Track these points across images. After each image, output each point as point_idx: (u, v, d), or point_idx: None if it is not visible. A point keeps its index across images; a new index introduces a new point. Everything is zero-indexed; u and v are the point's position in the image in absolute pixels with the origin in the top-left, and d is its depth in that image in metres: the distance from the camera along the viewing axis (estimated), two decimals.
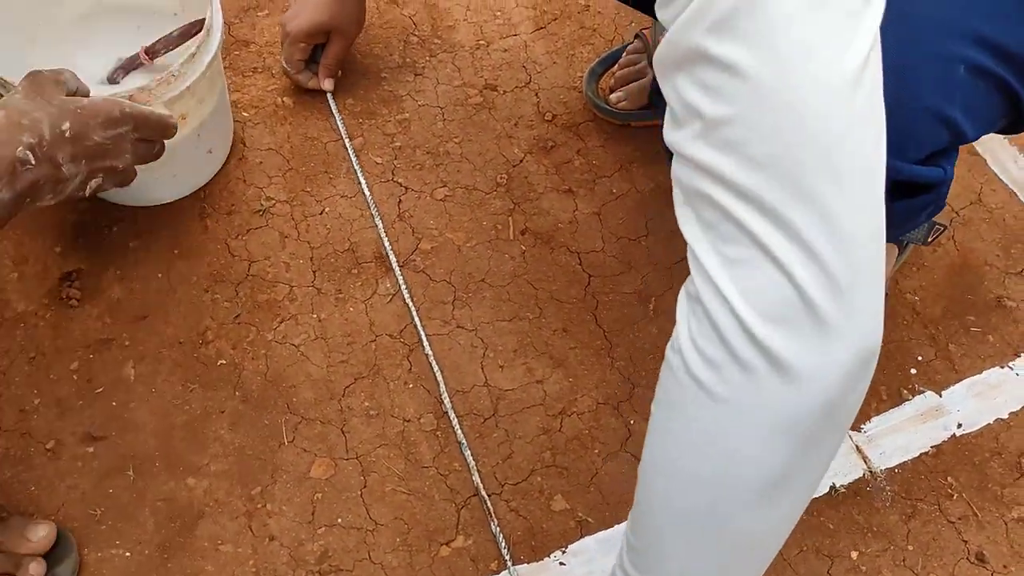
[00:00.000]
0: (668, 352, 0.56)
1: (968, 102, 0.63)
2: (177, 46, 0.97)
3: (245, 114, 1.11)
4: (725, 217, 0.49)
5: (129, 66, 0.99)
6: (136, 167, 0.81)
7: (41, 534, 0.79)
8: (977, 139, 0.67)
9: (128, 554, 0.83)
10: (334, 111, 1.12)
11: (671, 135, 0.53)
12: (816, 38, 0.46)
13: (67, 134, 0.71)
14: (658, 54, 0.52)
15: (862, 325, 0.49)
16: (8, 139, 0.67)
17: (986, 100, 0.64)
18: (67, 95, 0.74)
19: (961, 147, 1.13)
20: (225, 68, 1.15)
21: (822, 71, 0.46)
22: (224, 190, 1.05)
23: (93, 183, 0.76)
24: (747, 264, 0.49)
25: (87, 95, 0.77)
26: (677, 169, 0.53)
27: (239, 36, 1.19)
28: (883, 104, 0.50)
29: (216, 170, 1.05)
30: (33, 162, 0.68)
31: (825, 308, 0.48)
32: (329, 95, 1.13)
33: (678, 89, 0.51)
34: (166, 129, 0.83)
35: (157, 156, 0.83)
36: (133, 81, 0.98)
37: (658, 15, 0.52)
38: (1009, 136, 1.15)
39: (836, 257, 0.48)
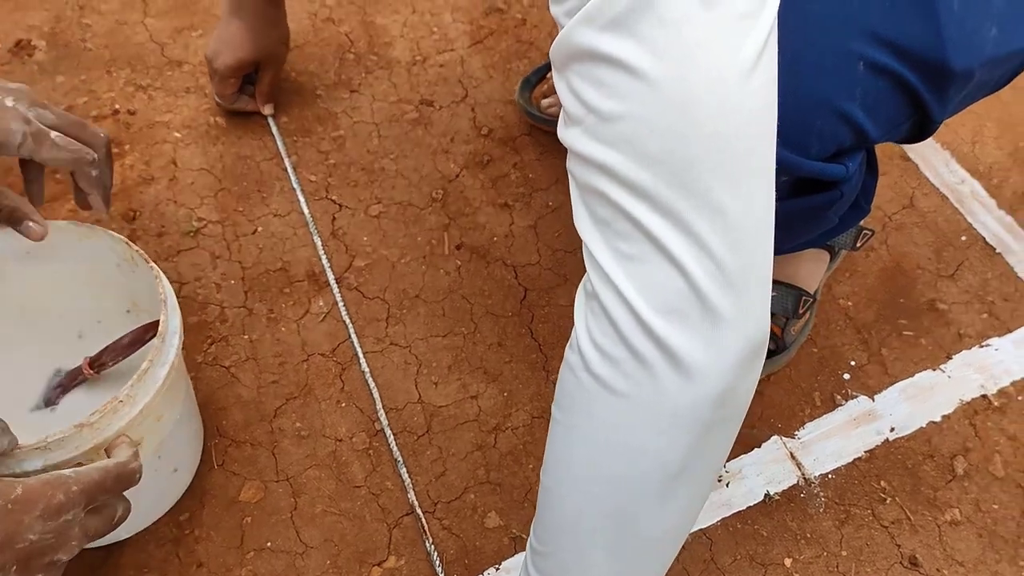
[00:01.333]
0: (567, 352, 0.57)
1: (869, 100, 0.63)
2: (127, 355, 0.79)
3: (177, 134, 1.10)
4: (619, 213, 0.50)
5: (69, 382, 0.82)
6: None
7: None
8: (882, 140, 0.68)
9: None
10: (275, 133, 1.11)
11: (564, 132, 0.54)
12: (709, 38, 0.47)
13: None
14: (553, 50, 0.52)
15: (751, 317, 0.51)
16: None
17: (888, 99, 0.64)
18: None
19: (894, 153, 1.15)
20: (157, 89, 1.15)
21: (714, 71, 0.47)
22: (154, 212, 1.04)
23: None
24: (641, 260, 0.50)
25: (15, 446, 0.63)
26: (571, 166, 0.54)
27: (172, 56, 1.18)
28: (776, 103, 0.50)
29: (184, 488, 0.85)
30: None
31: (717, 302, 0.49)
32: (269, 118, 1.12)
33: (571, 85, 0.51)
34: (129, 480, 0.63)
35: (116, 525, 0.64)
36: (73, 406, 0.81)
37: (551, 10, 0.52)
38: (937, 140, 1.16)
39: (727, 252, 0.49)
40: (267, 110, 1.12)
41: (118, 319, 0.85)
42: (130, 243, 0.76)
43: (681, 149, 0.47)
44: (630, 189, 0.49)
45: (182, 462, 0.83)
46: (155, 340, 0.71)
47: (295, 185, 1.07)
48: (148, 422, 0.72)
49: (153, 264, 0.75)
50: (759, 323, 0.51)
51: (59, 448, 0.66)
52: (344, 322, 0.97)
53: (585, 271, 0.55)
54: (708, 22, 0.46)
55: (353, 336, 0.96)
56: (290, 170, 1.08)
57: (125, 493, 0.65)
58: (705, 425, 0.52)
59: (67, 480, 0.59)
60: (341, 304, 0.98)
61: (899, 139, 0.70)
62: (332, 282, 1.00)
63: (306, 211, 1.05)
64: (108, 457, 0.66)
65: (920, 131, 0.68)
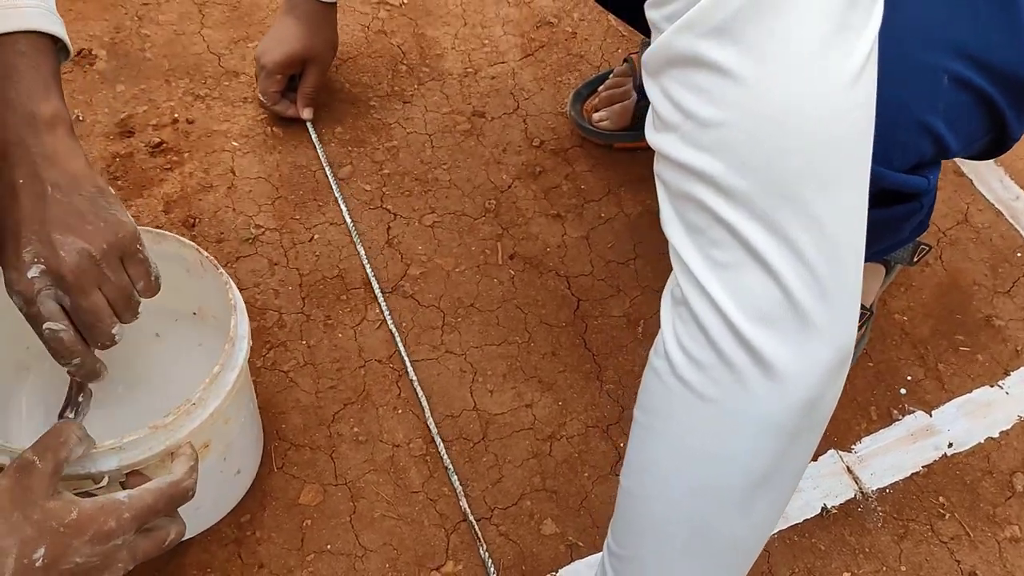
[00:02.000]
0: (652, 357, 0.57)
1: (951, 114, 0.63)
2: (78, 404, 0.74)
3: (235, 143, 1.12)
4: (714, 220, 0.50)
5: (76, 395, 0.73)
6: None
7: None
8: (960, 155, 0.68)
9: None
10: (314, 139, 1.13)
11: (655, 137, 0.53)
12: (816, 49, 0.47)
13: (38, 563, 0.54)
14: (648, 54, 0.52)
15: (841, 326, 0.51)
16: None
17: (970, 113, 0.64)
18: (75, 458, 0.61)
19: (948, 169, 1.15)
20: (215, 99, 1.17)
21: (819, 82, 0.47)
22: (213, 219, 1.05)
23: None
24: (736, 267, 0.50)
25: (93, 446, 0.64)
26: (662, 171, 0.54)
27: (229, 67, 1.20)
28: (874, 112, 0.50)
29: (245, 490, 0.86)
30: None
31: (810, 310, 0.49)
32: (309, 124, 1.14)
33: (667, 90, 0.51)
34: (182, 498, 0.65)
35: (168, 547, 0.64)
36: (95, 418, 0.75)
37: (648, 14, 0.52)
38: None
39: (823, 260, 0.49)
40: (306, 114, 1.13)
41: (187, 321, 0.87)
42: (200, 249, 0.77)
43: (781, 157, 0.48)
44: (727, 196, 0.49)
45: (245, 464, 0.85)
46: (226, 345, 0.73)
47: (336, 194, 1.08)
48: (217, 425, 0.73)
49: (223, 271, 0.76)
50: (848, 332, 0.51)
51: (133, 448, 0.67)
52: (392, 332, 0.98)
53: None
54: (820, 33, 0.47)
55: (400, 346, 0.97)
56: (331, 178, 1.09)
57: (183, 507, 0.66)
58: (791, 433, 0.52)
59: (120, 506, 0.60)
60: (387, 313, 0.99)
61: (974, 154, 0.70)
62: (378, 292, 1.00)
63: (348, 220, 1.06)
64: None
65: (996, 147, 0.68)
